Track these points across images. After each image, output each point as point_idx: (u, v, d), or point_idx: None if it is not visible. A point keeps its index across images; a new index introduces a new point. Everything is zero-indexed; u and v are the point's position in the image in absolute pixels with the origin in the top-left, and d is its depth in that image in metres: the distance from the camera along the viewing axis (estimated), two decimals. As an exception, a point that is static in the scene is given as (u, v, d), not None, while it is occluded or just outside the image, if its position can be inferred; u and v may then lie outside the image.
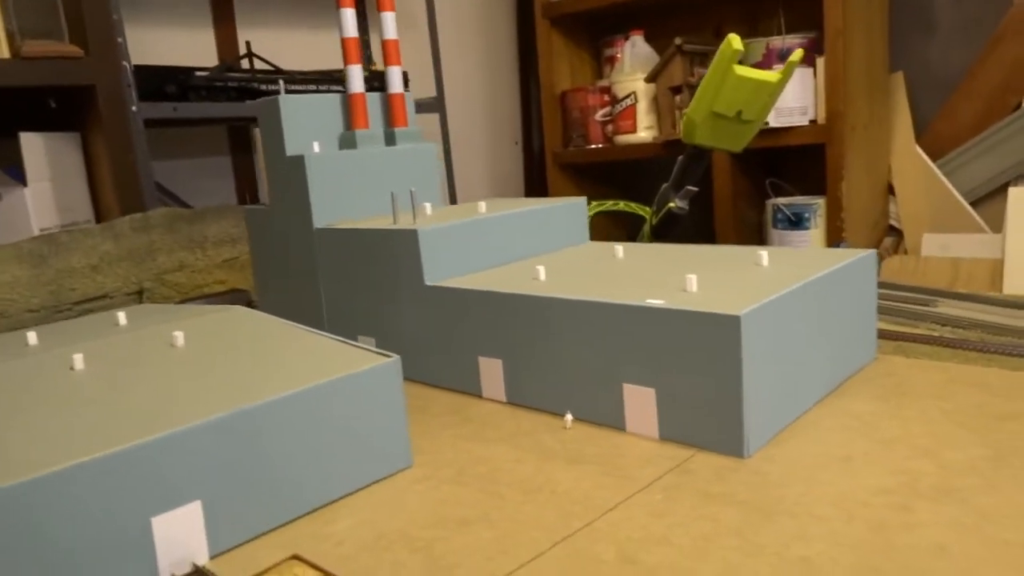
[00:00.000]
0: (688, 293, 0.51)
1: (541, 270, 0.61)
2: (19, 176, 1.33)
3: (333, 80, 1.73)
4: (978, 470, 0.43)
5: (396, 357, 0.49)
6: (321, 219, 0.72)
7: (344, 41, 0.75)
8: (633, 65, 2.01)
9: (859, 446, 0.47)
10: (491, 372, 0.60)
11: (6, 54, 1.26)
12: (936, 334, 0.67)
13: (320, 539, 0.42)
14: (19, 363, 0.52)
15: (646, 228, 1.30)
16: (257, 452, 0.42)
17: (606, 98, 2.09)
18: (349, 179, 0.74)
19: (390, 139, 0.79)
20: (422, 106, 1.90)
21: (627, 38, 2.05)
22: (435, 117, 1.95)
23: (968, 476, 0.42)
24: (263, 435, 0.42)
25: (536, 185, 2.48)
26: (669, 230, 1.25)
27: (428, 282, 0.63)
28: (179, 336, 0.53)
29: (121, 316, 0.63)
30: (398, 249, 0.65)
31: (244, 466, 0.42)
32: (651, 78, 1.91)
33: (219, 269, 1.14)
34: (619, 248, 0.69)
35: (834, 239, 1.75)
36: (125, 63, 1.42)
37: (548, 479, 0.46)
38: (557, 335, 0.55)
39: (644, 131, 2.01)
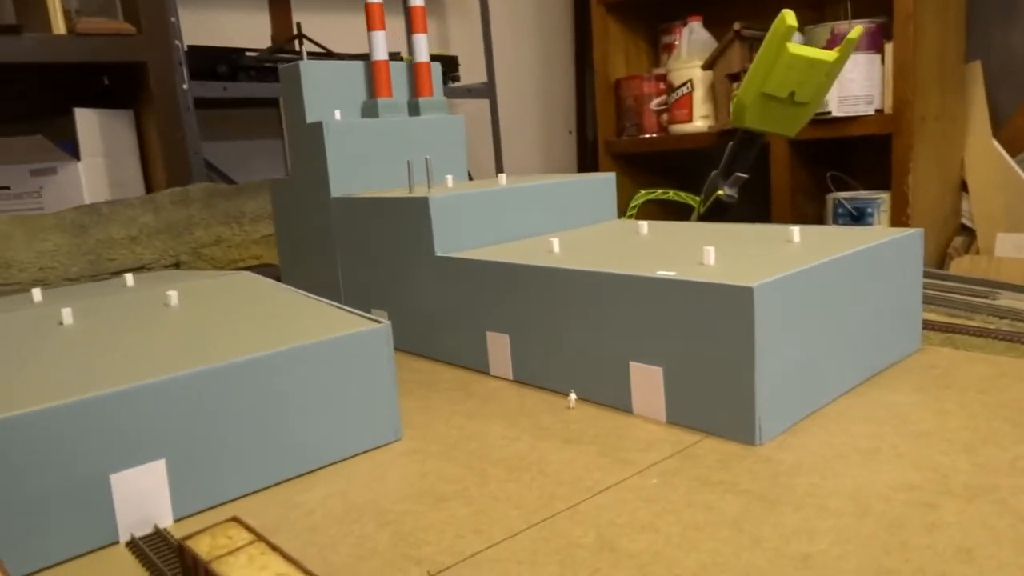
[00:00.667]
0: (705, 266, 0.47)
1: (555, 243, 0.58)
2: (73, 151, 1.36)
3: (383, 63, 1.72)
4: (1020, 469, 0.38)
5: (386, 323, 0.46)
6: (338, 188, 0.70)
7: (368, 6, 0.73)
8: (690, 52, 1.95)
9: (888, 438, 0.42)
10: (498, 348, 0.57)
11: (62, 30, 1.29)
12: (992, 326, 0.61)
13: (291, 507, 0.40)
14: (11, 316, 0.51)
15: (693, 217, 1.26)
16: (231, 413, 0.40)
17: (662, 86, 2.03)
18: (369, 148, 0.72)
19: (414, 109, 0.77)
20: (473, 92, 1.88)
21: (685, 24, 1.99)
22: (485, 103, 1.93)
23: (1008, 475, 0.37)
24: (237, 396, 0.40)
25: (589, 176, 2.43)
26: (717, 219, 1.20)
27: (439, 252, 0.61)
28: (173, 296, 0.52)
29: (129, 278, 0.63)
30: (410, 218, 0.62)
31: (216, 427, 0.40)
32: (708, 65, 1.84)
33: (256, 244, 1.14)
34: (644, 225, 0.65)
35: (898, 236, 1.66)
36: (177, 42, 1.44)
37: (539, 458, 0.43)
38: (563, 309, 0.51)
39: (700, 120, 1.95)
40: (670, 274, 0.45)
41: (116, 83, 1.44)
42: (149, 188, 1.51)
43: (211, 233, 1.11)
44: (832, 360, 0.47)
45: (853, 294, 0.49)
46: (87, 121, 1.36)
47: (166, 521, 0.38)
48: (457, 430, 0.48)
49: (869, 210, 1.71)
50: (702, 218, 1.23)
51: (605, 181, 0.73)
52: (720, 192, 1.19)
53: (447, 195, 0.61)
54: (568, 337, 0.51)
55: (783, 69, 1.03)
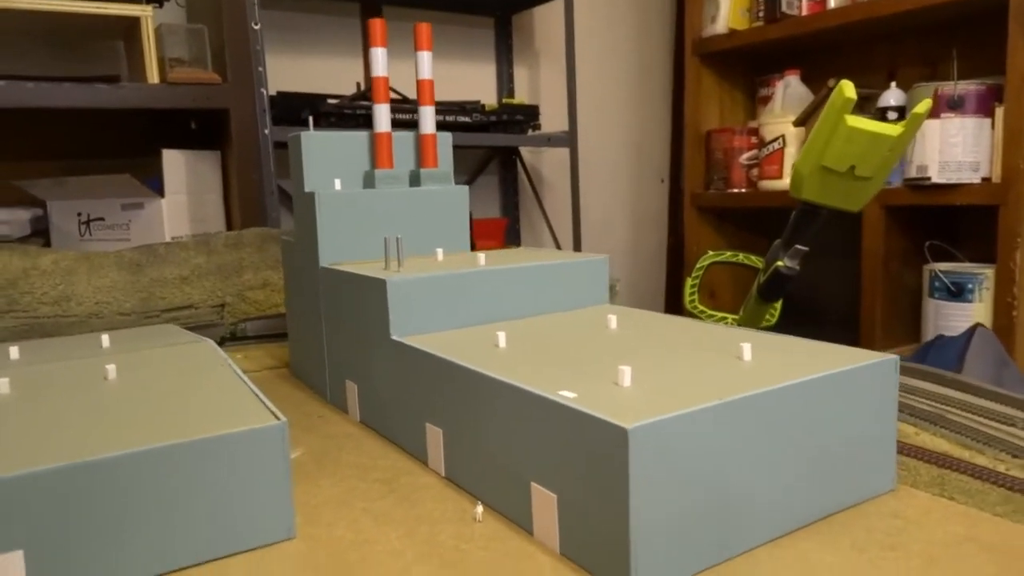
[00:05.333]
0: (616, 387, 0.44)
1: (501, 336, 0.56)
2: (159, 188, 1.46)
3: (462, 110, 1.75)
4: None
5: (282, 421, 0.46)
6: (327, 258, 0.71)
7: (374, 80, 0.74)
8: (785, 107, 1.87)
9: (784, 611, 0.37)
10: (434, 442, 0.55)
11: (156, 79, 1.39)
12: (1000, 468, 0.53)
13: (141, 609, 0.40)
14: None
15: (753, 287, 1.19)
16: (99, 508, 0.40)
17: (753, 140, 1.96)
18: (362, 219, 0.72)
19: (416, 180, 0.77)
20: (552, 140, 1.87)
21: (782, 77, 1.91)
22: (566, 152, 1.92)
23: None
24: (106, 491, 0.41)
25: (681, 226, 2.36)
26: (776, 291, 1.13)
27: (394, 336, 0.60)
28: (111, 370, 0.54)
29: (105, 339, 0.66)
30: (370, 298, 0.62)
31: (81, 521, 0.40)
32: (800, 122, 1.75)
33: (301, 291, 1.18)
34: (614, 318, 0.62)
35: (1003, 317, 1.51)
36: (263, 90, 1.52)
37: (405, 583, 0.41)
38: (480, 413, 0.49)
39: (791, 178, 1.85)
40: (569, 395, 0.42)
41: (204, 126, 1.54)
42: (229, 225, 1.60)
43: (259, 276, 1.15)
44: (753, 505, 0.42)
45: (791, 430, 0.44)
46: (173, 161, 1.46)
47: (18, 610, 0.39)
48: (354, 534, 0.47)
49: (970, 286, 1.56)
50: (761, 288, 1.16)
51: (596, 264, 0.70)
52: (779, 263, 1.12)
53: (406, 277, 0.60)
54: (485, 444, 0.49)
55: (841, 142, 0.96)
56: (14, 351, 0.61)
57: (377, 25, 0.72)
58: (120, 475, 0.41)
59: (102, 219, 1.47)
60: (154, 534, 0.42)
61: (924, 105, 0.93)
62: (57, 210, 1.45)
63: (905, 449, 0.56)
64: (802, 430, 0.44)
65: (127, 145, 1.55)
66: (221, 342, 1.08)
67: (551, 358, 0.51)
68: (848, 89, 0.92)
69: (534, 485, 0.44)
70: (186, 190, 1.48)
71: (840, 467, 0.46)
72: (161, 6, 1.42)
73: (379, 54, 0.73)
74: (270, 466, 0.45)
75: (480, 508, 0.48)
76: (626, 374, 0.44)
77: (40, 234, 1.49)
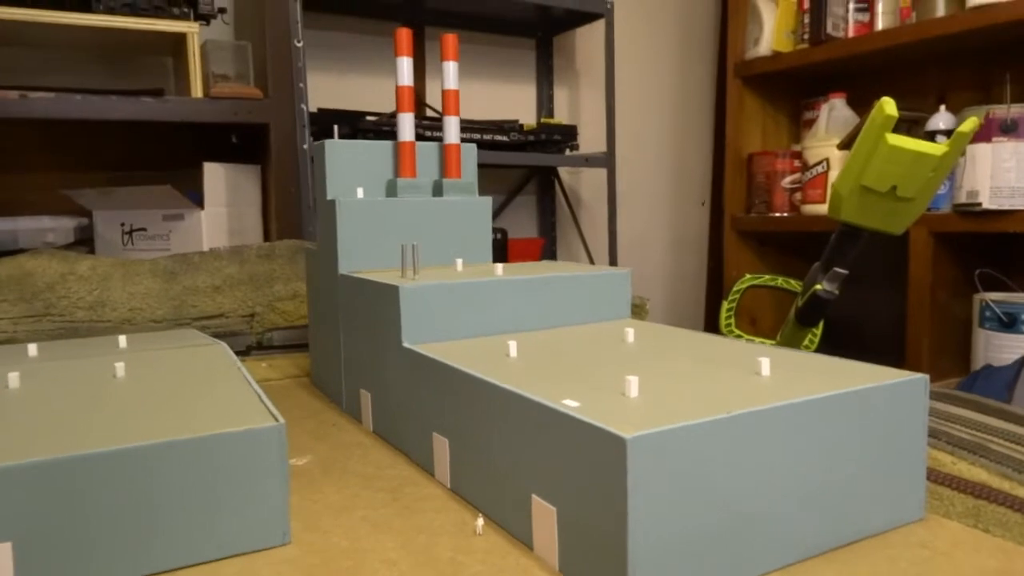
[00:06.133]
0: (623, 398, 0.42)
1: (513, 346, 0.54)
2: (199, 200, 1.49)
3: (500, 129, 1.75)
4: None
5: (280, 423, 0.45)
6: (347, 265, 0.71)
7: (399, 89, 0.74)
8: (829, 130, 1.83)
9: (792, 641, 0.34)
10: (441, 452, 0.54)
11: (199, 94, 1.42)
12: (1042, 500, 0.49)
13: (126, 608, 0.39)
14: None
15: (791, 312, 1.15)
16: (91, 503, 0.40)
17: (796, 164, 1.92)
18: (383, 228, 0.72)
19: (439, 190, 0.76)
20: (590, 161, 1.86)
21: (827, 100, 1.87)
22: (603, 172, 1.90)
23: None
24: (99, 486, 0.40)
25: (721, 250, 2.32)
26: (815, 314, 1.09)
27: (406, 343, 0.59)
28: (120, 368, 0.54)
29: (122, 340, 0.66)
30: (384, 304, 0.61)
31: (72, 515, 0.40)
32: (844, 145, 1.71)
33: (330, 303, 1.18)
34: (631, 332, 0.60)
35: (1058, 350, 1.44)
36: (303, 106, 1.54)
37: (395, 594, 0.39)
38: (485, 423, 0.48)
39: (829, 198, 1.81)
40: (572, 404, 0.41)
41: (245, 141, 1.56)
42: (267, 237, 1.62)
43: (289, 288, 1.16)
44: (764, 527, 0.40)
45: (807, 449, 0.41)
46: (214, 174, 1.48)
47: (4, 603, 0.39)
48: (350, 542, 0.46)
49: (1023, 316, 1.49)
50: (799, 312, 1.12)
51: (616, 277, 0.68)
52: (817, 287, 1.09)
53: (419, 284, 0.59)
54: (488, 455, 0.47)
55: (882, 161, 0.93)
56: (32, 349, 0.62)
57: (403, 35, 0.72)
58: (112, 470, 0.40)
59: (144, 229, 1.50)
60: (145, 532, 0.41)
61: (970, 123, 0.89)
62: (102, 220, 1.49)
63: (939, 477, 0.53)
64: (820, 450, 0.42)
65: (170, 157, 1.58)
66: (248, 351, 1.08)
67: (560, 369, 0.50)
68: (889, 106, 0.89)
69: (535, 498, 0.43)
70: (226, 203, 1.50)
71: (862, 492, 0.44)
72: (208, 23, 1.46)
73: (404, 63, 0.73)
74: (267, 468, 0.44)
75: (481, 521, 0.47)
76: (633, 384, 0.43)
77: (85, 243, 1.53)
